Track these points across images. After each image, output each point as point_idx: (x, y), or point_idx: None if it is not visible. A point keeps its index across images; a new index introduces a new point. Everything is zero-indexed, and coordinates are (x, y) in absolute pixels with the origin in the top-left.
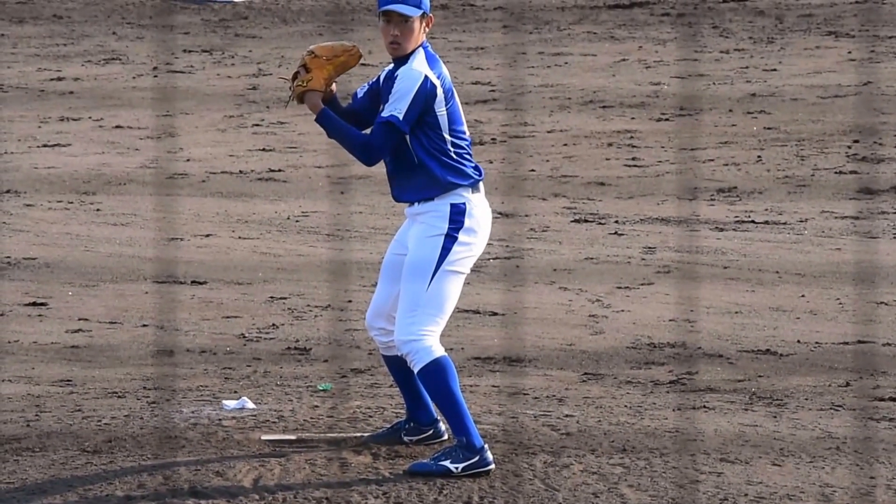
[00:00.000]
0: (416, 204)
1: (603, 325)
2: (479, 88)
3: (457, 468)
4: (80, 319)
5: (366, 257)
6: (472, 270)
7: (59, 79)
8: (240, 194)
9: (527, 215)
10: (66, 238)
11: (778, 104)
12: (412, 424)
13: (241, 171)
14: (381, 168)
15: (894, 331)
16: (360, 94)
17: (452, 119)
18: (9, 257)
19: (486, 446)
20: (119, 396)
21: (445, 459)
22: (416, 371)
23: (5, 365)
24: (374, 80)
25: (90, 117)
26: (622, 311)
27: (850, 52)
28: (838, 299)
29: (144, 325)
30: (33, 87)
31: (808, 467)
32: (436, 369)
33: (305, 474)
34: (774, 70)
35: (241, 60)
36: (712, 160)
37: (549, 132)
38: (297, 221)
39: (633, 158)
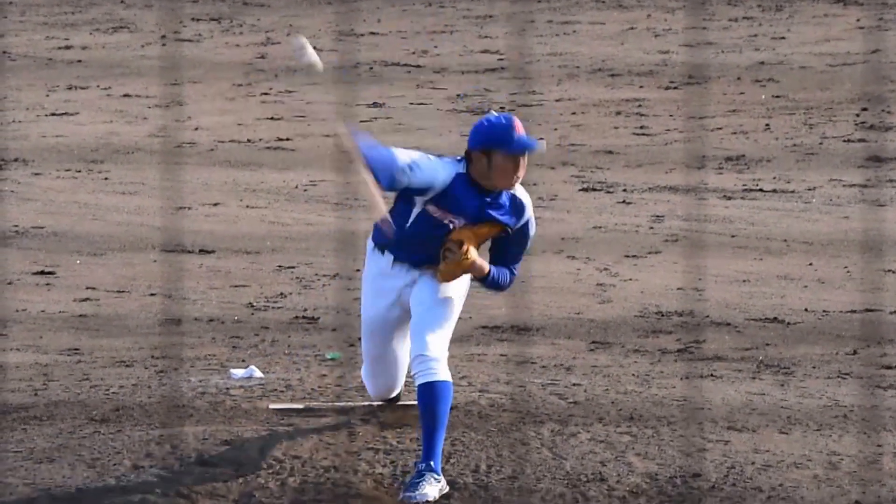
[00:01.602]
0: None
1: (611, 293)
2: (488, 57)
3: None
4: (87, 288)
5: None
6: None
7: (67, 47)
8: (248, 163)
9: (535, 184)
10: (73, 207)
11: (786, 72)
12: None
13: (249, 140)
14: (391, 137)
15: None
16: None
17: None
18: (17, 226)
19: None
20: (127, 365)
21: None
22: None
23: (13, 334)
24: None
25: (98, 86)
26: (630, 279)
27: (858, 20)
28: (846, 268)
29: (152, 294)
30: (41, 56)
31: (815, 435)
32: None
33: (313, 443)
34: (783, 38)
35: (249, 29)
36: (720, 129)
37: (557, 101)
38: (305, 190)
39: (642, 127)
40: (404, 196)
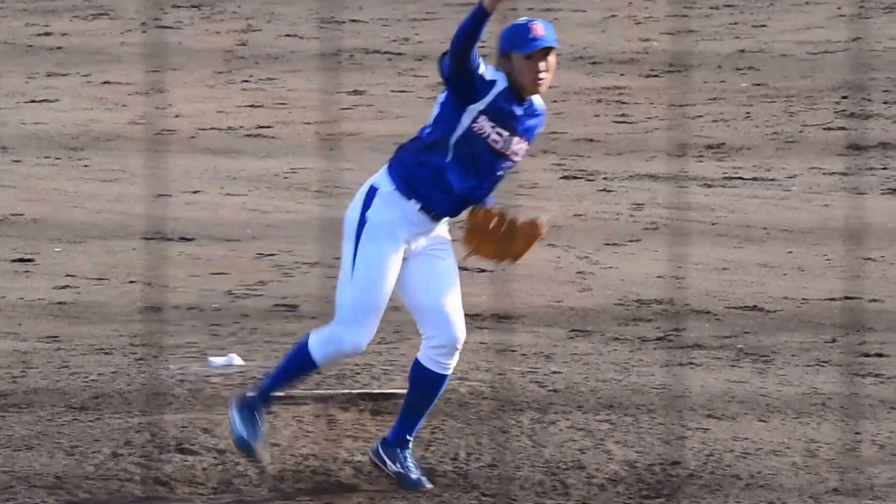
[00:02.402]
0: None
1: (591, 281)
2: None
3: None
4: (67, 276)
5: None
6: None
7: (47, 34)
8: (228, 151)
9: (515, 172)
10: (53, 194)
11: (767, 60)
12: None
13: (229, 128)
14: (372, 125)
15: (881, 287)
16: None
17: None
18: None
19: None
20: (106, 353)
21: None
22: None
23: None
24: (490, 83)
25: (78, 73)
26: (610, 267)
27: (839, 8)
28: (826, 255)
29: (132, 282)
30: (21, 43)
31: (794, 423)
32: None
33: (293, 430)
34: (764, 26)
35: (230, 16)
36: (701, 116)
37: None
38: (285, 178)
39: (623, 115)
40: (453, 103)
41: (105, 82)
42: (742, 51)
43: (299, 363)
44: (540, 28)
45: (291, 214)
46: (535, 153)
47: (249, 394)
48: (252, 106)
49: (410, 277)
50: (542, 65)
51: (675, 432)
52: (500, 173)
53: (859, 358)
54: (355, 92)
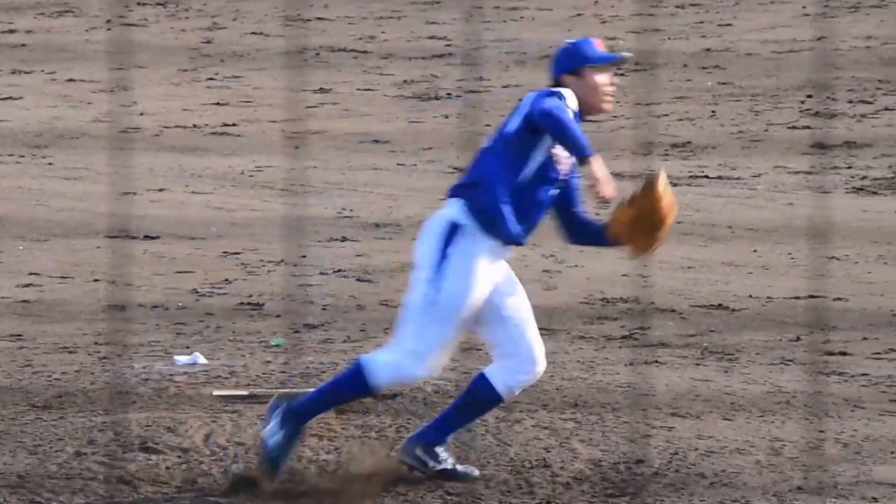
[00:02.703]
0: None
1: (556, 280)
2: (435, 43)
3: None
4: (30, 274)
5: (320, 212)
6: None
7: (11, 31)
8: (193, 149)
9: None
10: (17, 192)
11: (733, 59)
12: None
13: (194, 126)
14: (337, 123)
15: (845, 285)
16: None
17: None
18: None
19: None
20: (70, 352)
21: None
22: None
23: None
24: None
25: (42, 70)
26: (576, 266)
27: (804, 7)
28: (790, 254)
29: (96, 280)
30: None
31: (759, 421)
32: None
33: (257, 430)
34: (729, 25)
35: (195, 14)
36: (667, 115)
37: (504, 87)
38: (250, 176)
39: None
40: (529, 133)
41: (69, 80)
42: (708, 50)
43: (353, 385)
44: (603, 43)
45: (257, 213)
46: None
47: (296, 404)
48: (217, 104)
49: (491, 312)
50: (613, 79)
51: (640, 431)
52: (555, 196)
53: (823, 356)
54: (321, 90)
